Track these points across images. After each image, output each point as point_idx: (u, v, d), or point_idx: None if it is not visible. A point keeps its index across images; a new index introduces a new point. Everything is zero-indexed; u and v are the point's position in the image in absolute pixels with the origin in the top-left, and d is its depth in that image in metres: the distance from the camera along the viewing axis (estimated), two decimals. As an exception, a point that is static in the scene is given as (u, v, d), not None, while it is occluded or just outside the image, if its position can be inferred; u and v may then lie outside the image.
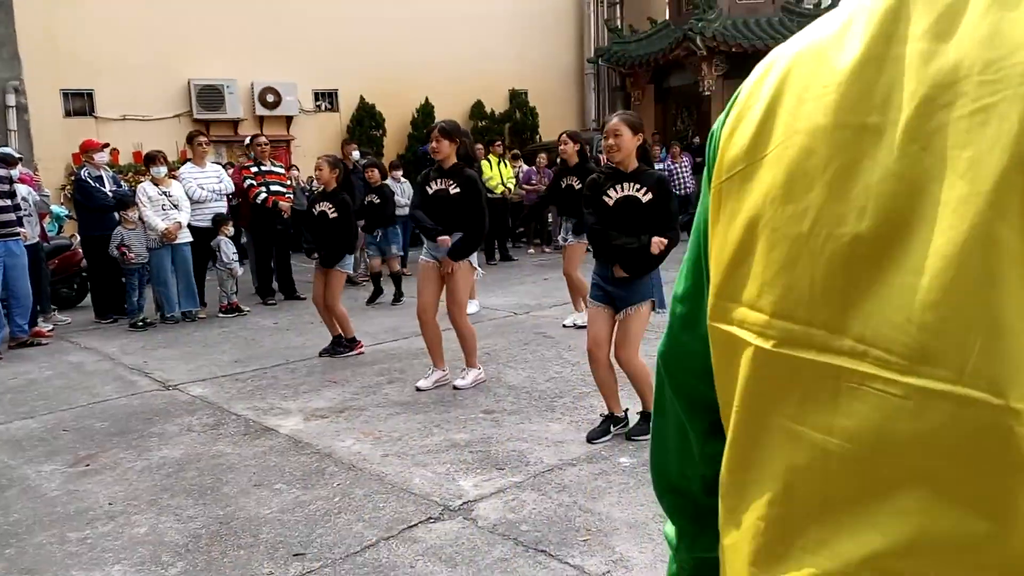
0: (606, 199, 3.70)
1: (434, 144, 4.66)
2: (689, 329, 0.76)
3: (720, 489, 0.70)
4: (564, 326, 6.32)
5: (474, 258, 4.75)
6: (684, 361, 0.78)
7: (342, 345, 5.64)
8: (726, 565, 0.71)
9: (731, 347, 0.66)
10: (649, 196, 3.62)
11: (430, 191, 4.69)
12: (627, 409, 3.85)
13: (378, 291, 7.94)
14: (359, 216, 7.61)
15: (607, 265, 3.70)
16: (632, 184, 3.66)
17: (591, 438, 3.73)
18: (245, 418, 4.33)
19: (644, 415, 3.76)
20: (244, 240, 9.70)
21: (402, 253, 8.35)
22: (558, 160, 11.26)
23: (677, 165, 12.60)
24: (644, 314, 3.68)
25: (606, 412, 3.83)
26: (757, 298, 0.63)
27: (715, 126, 0.73)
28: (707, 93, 14.61)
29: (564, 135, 6.39)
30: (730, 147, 0.68)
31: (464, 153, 4.75)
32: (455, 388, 4.66)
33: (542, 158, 11.93)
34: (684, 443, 0.83)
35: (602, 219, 3.72)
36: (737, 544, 0.68)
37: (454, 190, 4.60)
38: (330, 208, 5.60)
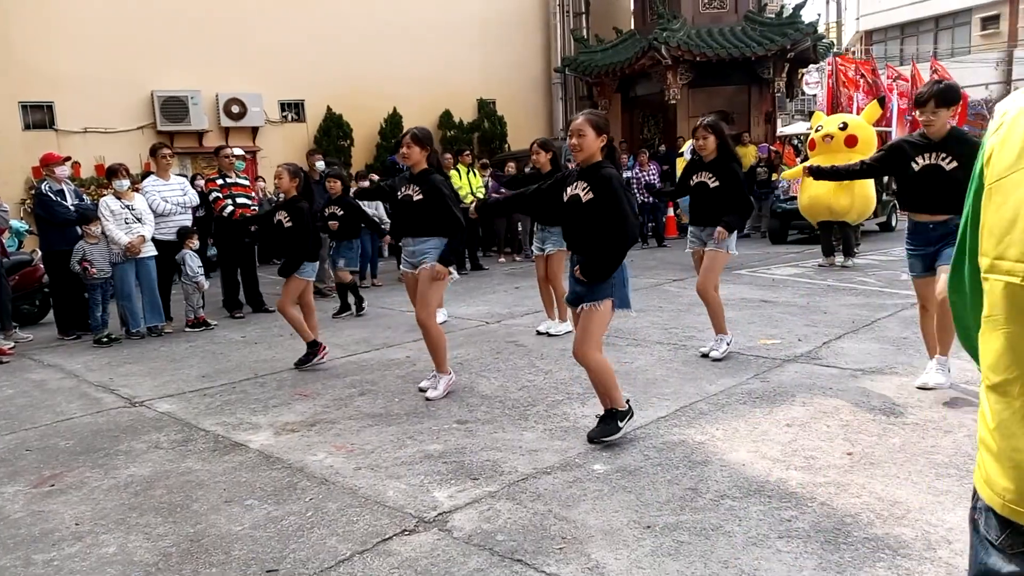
0: (563, 195, 3.72)
1: (404, 150, 4.69)
2: (958, 275, 1.23)
3: (996, 388, 1.10)
4: (538, 332, 6.34)
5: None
6: (958, 294, 1.25)
7: (310, 354, 5.59)
8: (999, 441, 1.08)
9: (1002, 290, 1.05)
10: (590, 195, 3.56)
11: (399, 196, 4.74)
12: (628, 399, 3.82)
13: (344, 306, 7.89)
14: (323, 228, 7.63)
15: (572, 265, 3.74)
16: (582, 183, 3.62)
17: (591, 438, 3.74)
18: (214, 434, 4.27)
19: (606, 414, 3.73)
20: (211, 253, 9.61)
21: (355, 268, 8.22)
22: (527, 169, 11.29)
23: (645, 172, 12.72)
24: (603, 312, 3.64)
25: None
26: (1022, 254, 1.01)
27: (984, 143, 1.12)
28: (673, 101, 14.82)
29: (536, 144, 6.41)
30: (1000, 159, 1.07)
31: (436, 161, 4.80)
32: (427, 400, 4.64)
33: (510, 167, 11.95)
34: (967, 329, 1.27)
35: (560, 215, 3.78)
36: (1009, 423, 1.06)
37: (417, 196, 4.62)
38: (285, 217, 5.57)
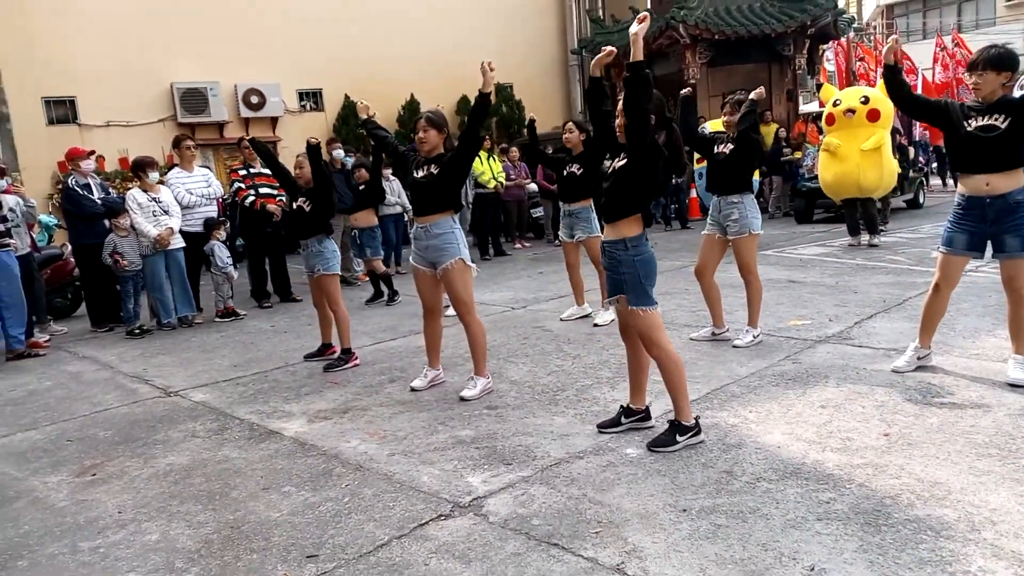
0: (604, 169, 3.63)
1: (421, 134, 4.51)
2: None
3: None
4: (562, 320, 6.33)
5: (466, 255, 4.54)
6: None
7: (329, 354, 5.53)
8: None
9: None
10: (623, 162, 3.48)
11: (414, 177, 4.55)
12: (698, 417, 3.57)
13: (377, 293, 7.97)
14: (353, 210, 7.75)
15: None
16: (621, 154, 3.53)
17: (601, 427, 3.71)
18: (249, 422, 4.33)
19: (671, 425, 3.50)
20: (239, 243, 9.71)
21: (380, 255, 8.26)
22: (548, 151, 11.22)
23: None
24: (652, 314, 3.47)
25: (625, 404, 3.77)
26: None
27: None
28: (692, 81, 14.60)
29: (571, 123, 6.34)
30: None
31: (451, 146, 4.62)
32: (462, 399, 4.42)
33: (514, 152, 11.85)
34: None
35: (604, 189, 3.60)
36: None
37: (435, 170, 4.46)
38: (305, 202, 5.49)
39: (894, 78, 4.24)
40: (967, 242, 4.04)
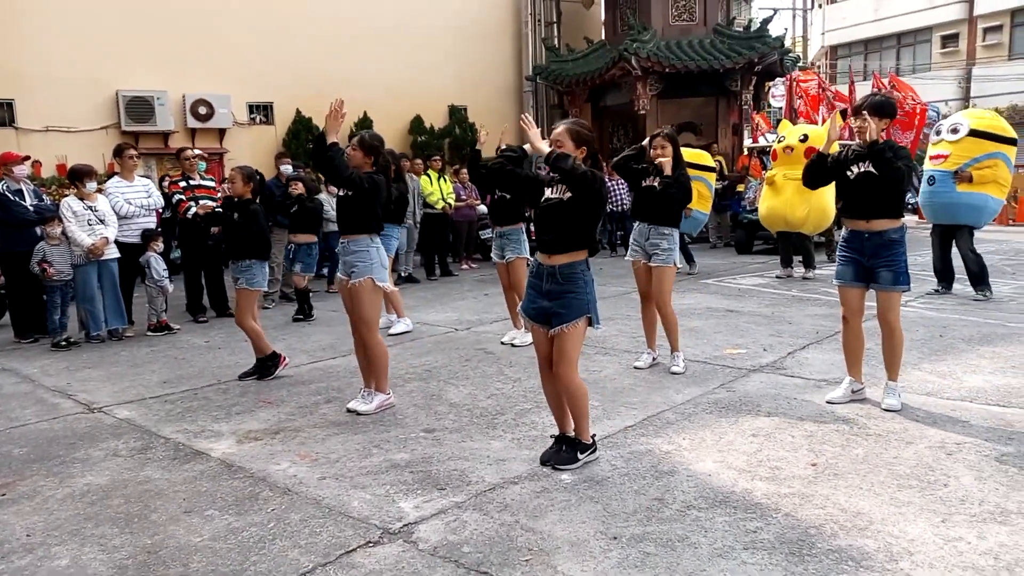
0: (543, 202, 3.60)
1: (350, 151, 4.60)
2: None
3: None
4: (502, 343, 6.31)
5: (379, 275, 4.57)
6: None
7: (267, 366, 5.46)
8: None
9: None
10: (568, 194, 3.47)
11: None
12: (595, 436, 3.73)
13: (301, 309, 7.86)
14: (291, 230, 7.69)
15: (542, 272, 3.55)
16: (560, 186, 3.53)
17: (543, 460, 3.64)
18: (175, 441, 4.18)
19: (571, 442, 3.62)
20: (174, 255, 9.45)
21: (311, 273, 8.17)
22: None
23: (614, 183, 12.79)
24: (580, 331, 3.52)
25: (557, 433, 3.76)
26: None
27: None
28: (642, 112, 14.92)
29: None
30: None
31: (386, 163, 4.70)
32: (357, 414, 4.49)
33: (464, 174, 11.94)
34: None
35: (537, 220, 3.63)
36: None
37: (344, 192, 4.59)
38: (237, 218, 5.52)
39: (807, 181, 4.56)
40: (853, 273, 4.29)
